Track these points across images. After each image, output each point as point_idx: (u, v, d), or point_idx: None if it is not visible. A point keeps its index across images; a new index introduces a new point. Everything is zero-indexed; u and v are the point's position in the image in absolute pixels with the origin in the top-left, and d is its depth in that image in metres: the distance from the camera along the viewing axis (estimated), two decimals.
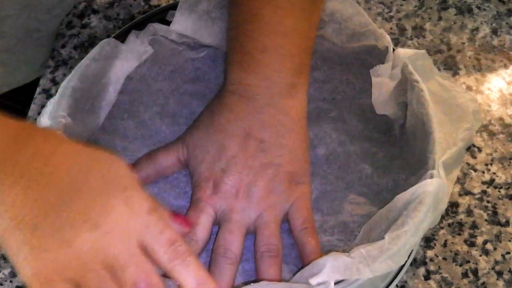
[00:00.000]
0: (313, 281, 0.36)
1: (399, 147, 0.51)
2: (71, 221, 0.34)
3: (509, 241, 0.52)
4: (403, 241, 0.38)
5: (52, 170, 0.35)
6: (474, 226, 0.53)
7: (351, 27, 0.52)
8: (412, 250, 0.45)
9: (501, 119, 0.59)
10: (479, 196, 0.54)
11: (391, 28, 0.66)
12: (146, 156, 0.49)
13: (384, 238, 0.39)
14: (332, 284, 0.36)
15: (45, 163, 0.35)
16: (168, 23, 0.55)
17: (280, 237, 0.45)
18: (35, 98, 0.61)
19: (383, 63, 0.49)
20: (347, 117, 0.53)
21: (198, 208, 0.45)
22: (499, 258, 0.51)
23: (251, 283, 0.38)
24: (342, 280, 0.38)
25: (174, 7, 0.54)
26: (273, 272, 0.43)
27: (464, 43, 0.65)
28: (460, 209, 0.54)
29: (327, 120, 0.52)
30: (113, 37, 0.52)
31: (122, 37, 0.53)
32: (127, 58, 0.53)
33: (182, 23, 0.54)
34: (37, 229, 0.34)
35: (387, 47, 0.50)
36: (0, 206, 0.35)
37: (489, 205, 0.54)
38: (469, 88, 0.61)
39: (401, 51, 0.48)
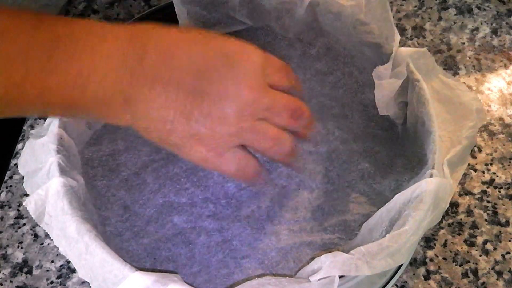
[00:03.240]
0: (313, 278, 0.36)
1: (401, 146, 0.50)
2: (215, 102, 0.37)
3: (509, 241, 0.52)
4: (403, 239, 0.38)
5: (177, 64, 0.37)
6: (474, 226, 0.52)
7: (363, 19, 0.50)
8: None
9: (501, 119, 0.59)
10: (479, 196, 0.54)
11: None
12: None
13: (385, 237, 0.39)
14: (337, 277, 0.36)
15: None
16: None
17: None
18: None
19: (386, 62, 0.49)
20: (349, 114, 0.53)
21: None
22: (499, 258, 0.51)
23: (256, 277, 0.38)
24: (341, 277, 0.38)
25: (170, 6, 0.54)
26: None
27: (464, 43, 0.65)
28: (460, 209, 0.53)
29: (329, 117, 0.52)
30: None
31: None
32: None
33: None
34: (190, 119, 0.37)
35: (393, 46, 0.49)
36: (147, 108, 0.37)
37: (489, 205, 0.54)
38: (469, 88, 0.61)
39: (403, 49, 0.48)
